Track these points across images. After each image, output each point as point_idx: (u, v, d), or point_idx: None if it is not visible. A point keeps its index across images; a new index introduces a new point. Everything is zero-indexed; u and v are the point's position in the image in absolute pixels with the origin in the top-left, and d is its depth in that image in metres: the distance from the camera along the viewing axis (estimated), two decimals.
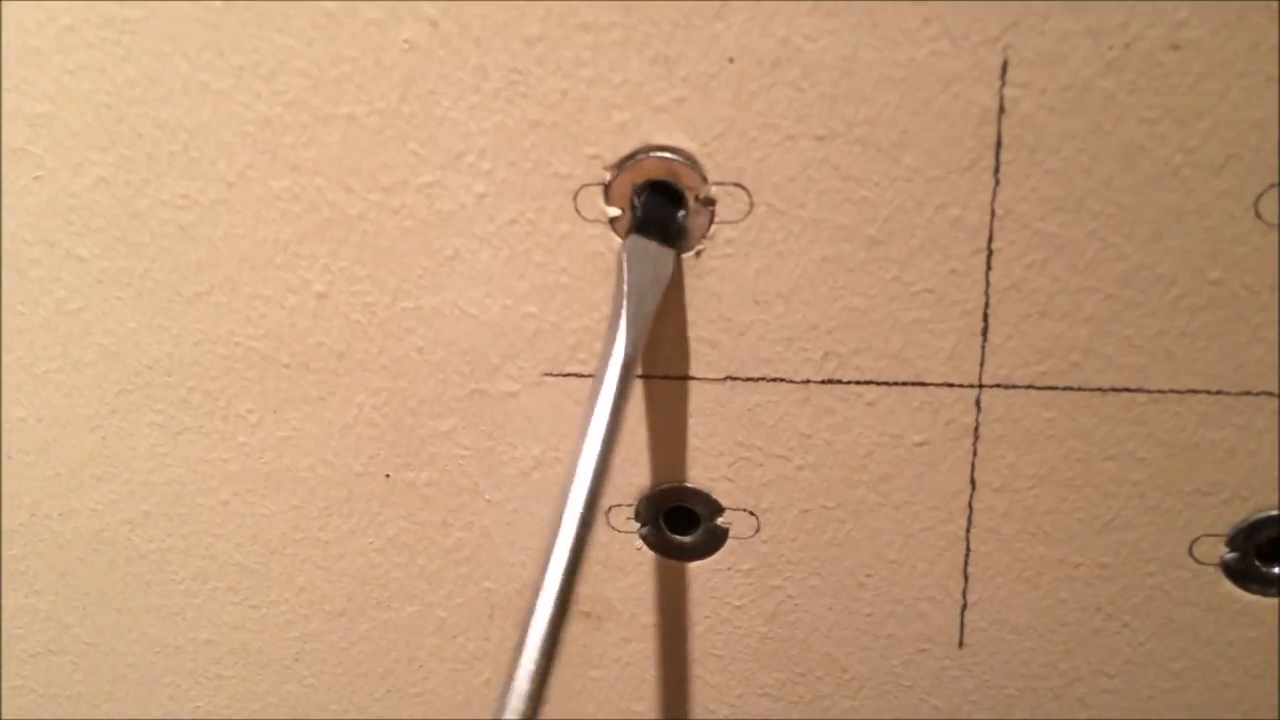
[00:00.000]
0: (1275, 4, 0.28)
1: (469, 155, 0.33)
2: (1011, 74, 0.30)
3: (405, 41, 0.32)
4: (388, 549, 0.40)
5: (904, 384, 0.34)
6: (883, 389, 0.35)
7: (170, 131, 0.34)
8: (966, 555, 0.37)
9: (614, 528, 0.38)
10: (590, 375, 0.36)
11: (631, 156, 0.32)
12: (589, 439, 0.29)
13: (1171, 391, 0.33)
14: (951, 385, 0.34)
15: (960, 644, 0.39)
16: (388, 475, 0.39)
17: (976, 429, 0.35)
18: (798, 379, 0.35)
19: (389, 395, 0.37)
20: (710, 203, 0.33)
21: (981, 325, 0.33)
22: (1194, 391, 0.33)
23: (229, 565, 0.41)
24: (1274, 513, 0.34)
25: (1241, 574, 0.35)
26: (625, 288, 0.31)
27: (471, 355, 0.36)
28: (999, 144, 0.31)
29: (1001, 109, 0.30)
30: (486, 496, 0.39)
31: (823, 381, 0.35)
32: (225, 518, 0.40)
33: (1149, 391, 0.33)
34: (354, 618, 0.42)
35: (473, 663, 0.42)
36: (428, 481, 0.39)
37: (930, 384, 0.34)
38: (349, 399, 0.38)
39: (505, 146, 0.33)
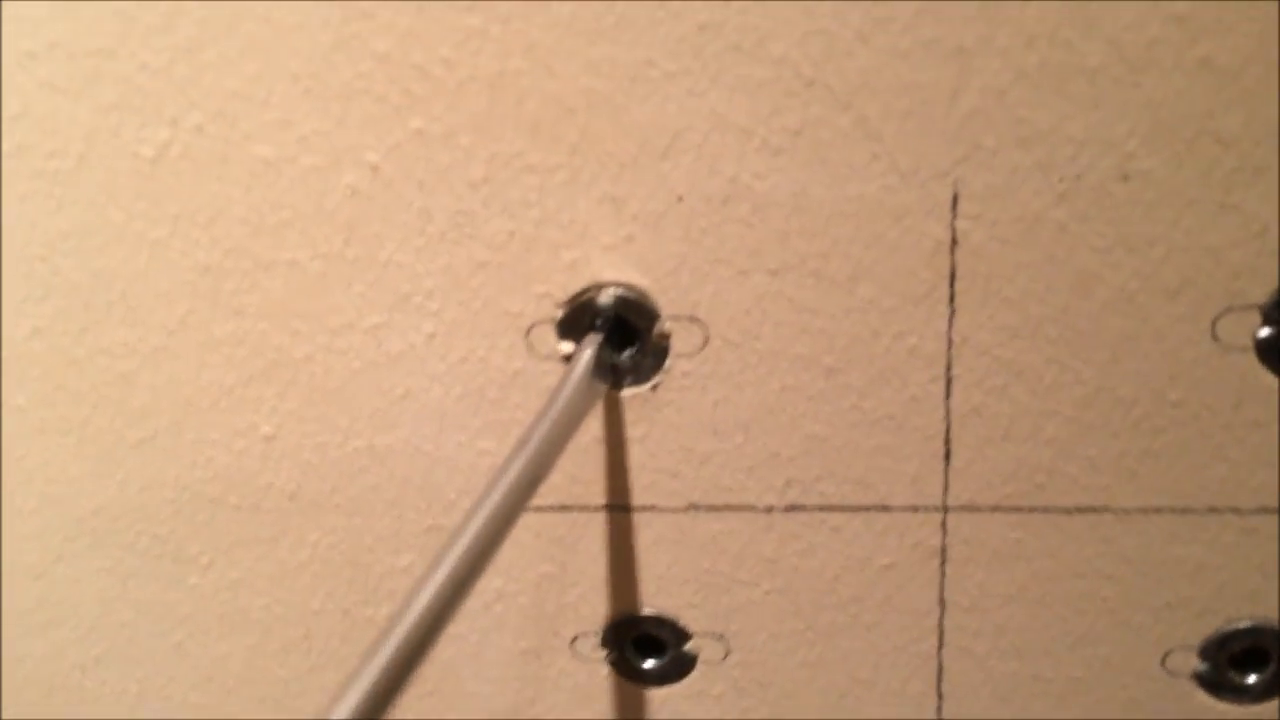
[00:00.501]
0: (1221, 135, 0.28)
1: (416, 296, 0.32)
2: (962, 207, 0.30)
3: (347, 186, 0.31)
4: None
5: (869, 508, 0.34)
6: (847, 514, 0.34)
7: (106, 281, 0.33)
8: (939, 673, 0.36)
9: (580, 655, 0.38)
10: (553, 509, 0.35)
11: (583, 294, 0.32)
12: None
13: (1137, 510, 0.33)
14: (916, 509, 0.34)
15: None
16: (346, 612, 0.38)
17: (944, 550, 0.34)
18: (761, 506, 0.34)
19: (344, 534, 0.36)
20: (665, 337, 0.32)
21: (944, 449, 0.33)
22: (1159, 510, 0.33)
23: (185, 706, 0.40)
24: (1244, 625, 0.34)
25: (1215, 684, 0.35)
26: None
27: (427, 492, 0.35)
28: (953, 274, 0.30)
29: (954, 241, 0.30)
30: (449, 630, 0.38)
31: (786, 508, 0.34)
32: (179, 659, 0.39)
33: (1114, 510, 0.33)
34: None
35: None
36: (386, 618, 0.38)
37: (895, 508, 0.34)
38: (302, 538, 0.37)
39: (453, 286, 0.32)
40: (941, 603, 0.35)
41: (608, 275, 0.32)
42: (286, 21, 0.29)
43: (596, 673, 0.38)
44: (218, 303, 0.33)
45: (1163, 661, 0.35)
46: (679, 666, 0.37)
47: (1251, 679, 0.35)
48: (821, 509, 0.34)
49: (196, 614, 0.38)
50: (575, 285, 0.32)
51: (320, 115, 0.30)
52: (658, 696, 0.38)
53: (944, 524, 0.34)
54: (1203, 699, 0.35)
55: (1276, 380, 0.30)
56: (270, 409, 0.34)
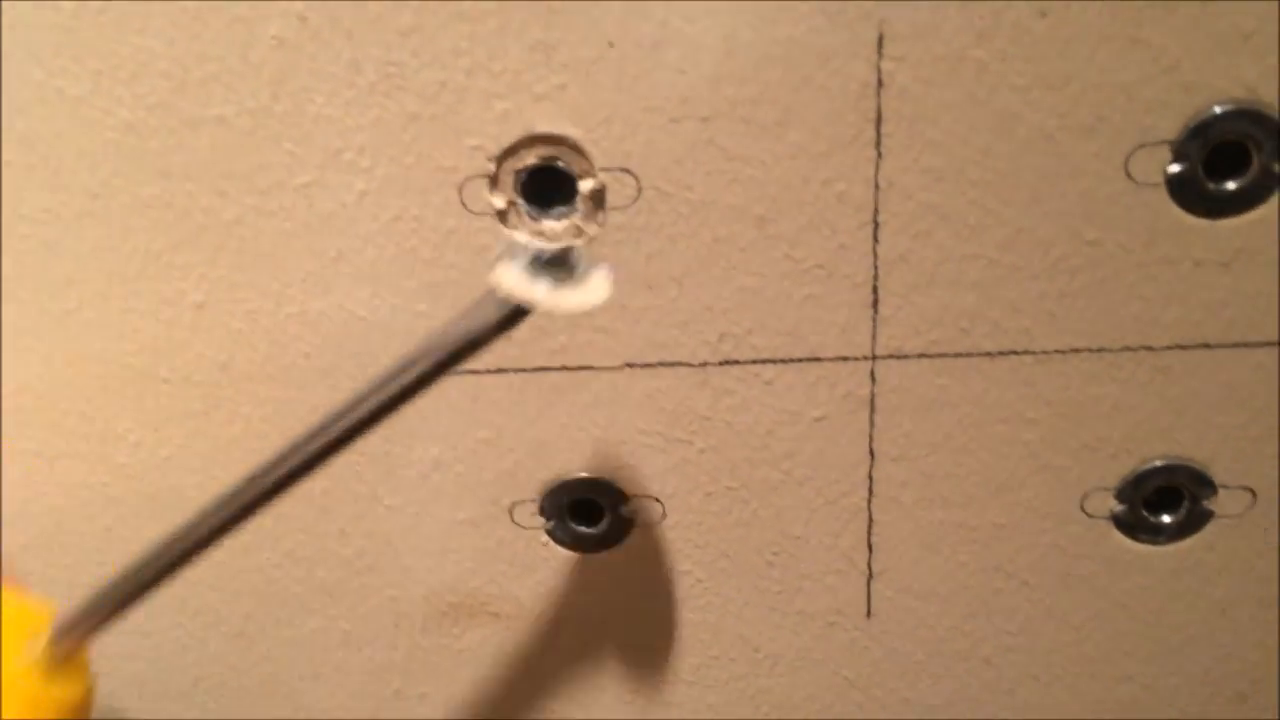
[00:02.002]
0: None
1: (347, 152, 0.32)
2: (887, 48, 0.30)
3: (273, 37, 0.31)
4: (285, 563, 0.39)
5: (800, 360, 0.35)
6: (779, 367, 0.35)
7: (27, 143, 0.32)
8: (870, 526, 0.37)
9: (519, 524, 0.38)
10: (489, 371, 0.35)
11: (515, 146, 0.32)
12: None
13: (1055, 351, 0.34)
14: (846, 359, 0.35)
15: (868, 614, 0.39)
16: None
17: (873, 400, 0.35)
18: (695, 362, 0.35)
19: (277, 405, 0.36)
20: (599, 190, 0.32)
21: (872, 298, 0.34)
22: (1076, 350, 0.34)
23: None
24: (1159, 464, 0.35)
25: (1131, 525, 0.37)
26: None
27: (362, 358, 0.35)
28: (879, 117, 0.31)
29: (880, 83, 0.31)
30: (385, 502, 0.38)
31: (720, 363, 0.35)
32: (108, 544, 0.39)
33: (1034, 353, 0.34)
34: (253, 638, 0.40)
35: (380, 674, 0.41)
36: (323, 491, 0.38)
37: (825, 359, 0.35)
38: (235, 411, 0.36)
39: (384, 141, 0.32)
40: (871, 454, 0.36)
41: (541, 127, 0.32)
42: None
43: (535, 540, 0.38)
44: (143, 163, 0.32)
45: (1081, 504, 0.36)
46: (616, 530, 0.38)
47: (1166, 519, 0.37)
48: (755, 362, 0.35)
49: (126, 496, 0.38)
50: (508, 138, 0.32)
51: None
52: (596, 562, 0.39)
53: (873, 373, 0.35)
54: (1120, 540, 0.37)
55: (1186, 216, 0.32)
56: (199, 275, 0.34)
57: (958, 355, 0.34)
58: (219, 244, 0.33)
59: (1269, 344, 0.33)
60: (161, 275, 0.34)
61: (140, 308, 0.35)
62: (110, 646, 0.39)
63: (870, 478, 0.37)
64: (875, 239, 0.33)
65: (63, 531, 0.38)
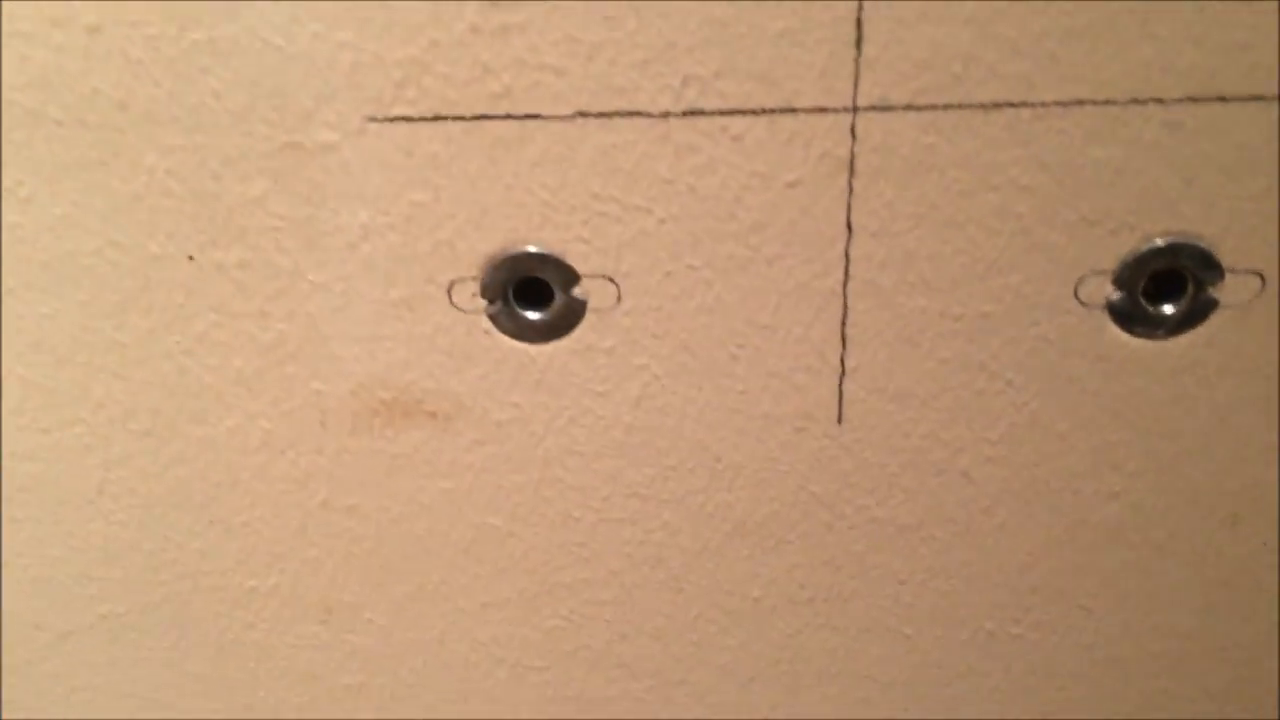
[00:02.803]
0: None
1: None
2: None
3: None
4: (196, 349, 0.35)
5: (772, 111, 0.31)
6: (750, 119, 0.31)
7: None
8: (844, 314, 0.34)
9: (458, 307, 0.34)
10: (424, 118, 0.31)
11: None
12: None
13: (1056, 104, 0.31)
14: (823, 109, 0.31)
15: (839, 419, 0.36)
16: (191, 257, 0.34)
17: (852, 162, 0.32)
18: (656, 111, 0.31)
19: (184, 155, 0.32)
20: None
21: (855, 35, 0.30)
22: (1080, 103, 0.30)
23: (10, 379, 0.36)
24: (1161, 242, 0.32)
25: (1128, 316, 0.33)
26: None
27: (279, 99, 0.31)
28: None
29: None
30: (309, 277, 0.34)
31: (684, 113, 0.31)
32: None
33: (1033, 105, 0.31)
34: (163, 437, 0.37)
35: (306, 481, 0.37)
36: (239, 262, 0.34)
37: (800, 109, 0.31)
38: (136, 161, 0.32)
39: None
40: (849, 227, 0.33)
41: None
42: None
43: (476, 327, 0.35)
44: None
45: (1075, 291, 0.33)
46: (567, 316, 0.34)
47: (1167, 309, 0.33)
48: (722, 113, 0.31)
49: (16, 263, 0.34)
50: None
51: None
52: (544, 355, 0.35)
53: (853, 128, 0.31)
54: (1115, 334, 0.34)
55: None
56: None
57: (947, 107, 0.31)
58: None
59: None
60: None
61: (25, 30, 0.30)
62: (2, 444, 0.36)
63: (847, 256, 0.33)
64: None
65: None
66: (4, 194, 0.33)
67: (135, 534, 0.38)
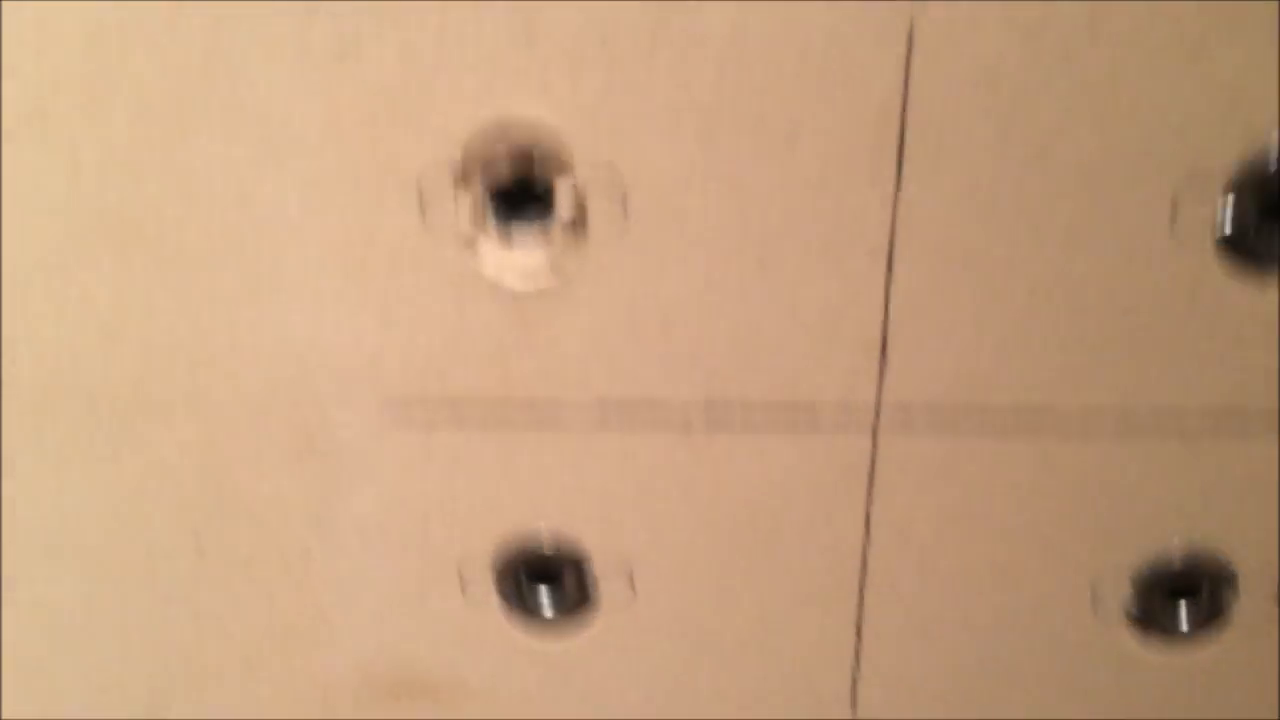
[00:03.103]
0: None
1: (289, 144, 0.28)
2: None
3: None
4: (202, 632, 0.34)
5: (794, 416, 0.31)
6: (770, 419, 0.31)
7: None
8: (860, 611, 0.34)
9: (468, 596, 0.34)
10: (443, 418, 0.31)
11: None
12: None
13: (1075, 419, 0.31)
14: (846, 419, 0.31)
15: (853, 711, 0.35)
16: (198, 542, 0.33)
17: (872, 470, 0.32)
18: (678, 418, 0.31)
19: (197, 443, 0.32)
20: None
21: (880, 346, 0.30)
22: (1097, 418, 0.31)
23: (10, 658, 0.34)
24: (1179, 555, 0.32)
25: (1144, 623, 0.33)
26: None
27: (298, 393, 0.31)
28: (902, 134, 0.28)
29: (906, 85, 0.27)
30: (319, 566, 0.33)
31: (706, 422, 0.31)
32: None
33: (1049, 423, 0.31)
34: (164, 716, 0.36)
35: None
36: (248, 551, 0.33)
37: (823, 421, 0.31)
38: (147, 448, 0.32)
39: (337, 136, 0.28)
40: (867, 529, 0.32)
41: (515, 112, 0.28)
42: None
43: (487, 615, 0.34)
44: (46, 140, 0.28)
45: (1091, 596, 0.33)
46: (580, 609, 0.34)
47: (1182, 619, 0.33)
48: (742, 411, 0.31)
49: (18, 545, 0.33)
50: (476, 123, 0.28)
51: None
52: (556, 644, 0.34)
53: (874, 436, 0.31)
54: (1131, 640, 0.34)
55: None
56: (108, 276, 0.29)
57: (969, 413, 0.31)
58: (133, 238, 0.29)
59: None
60: (65, 269, 0.29)
61: (38, 310, 0.30)
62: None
63: (864, 557, 0.33)
64: (889, 278, 0.29)
65: None
66: (12, 478, 0.32)
67: None
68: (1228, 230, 0.28)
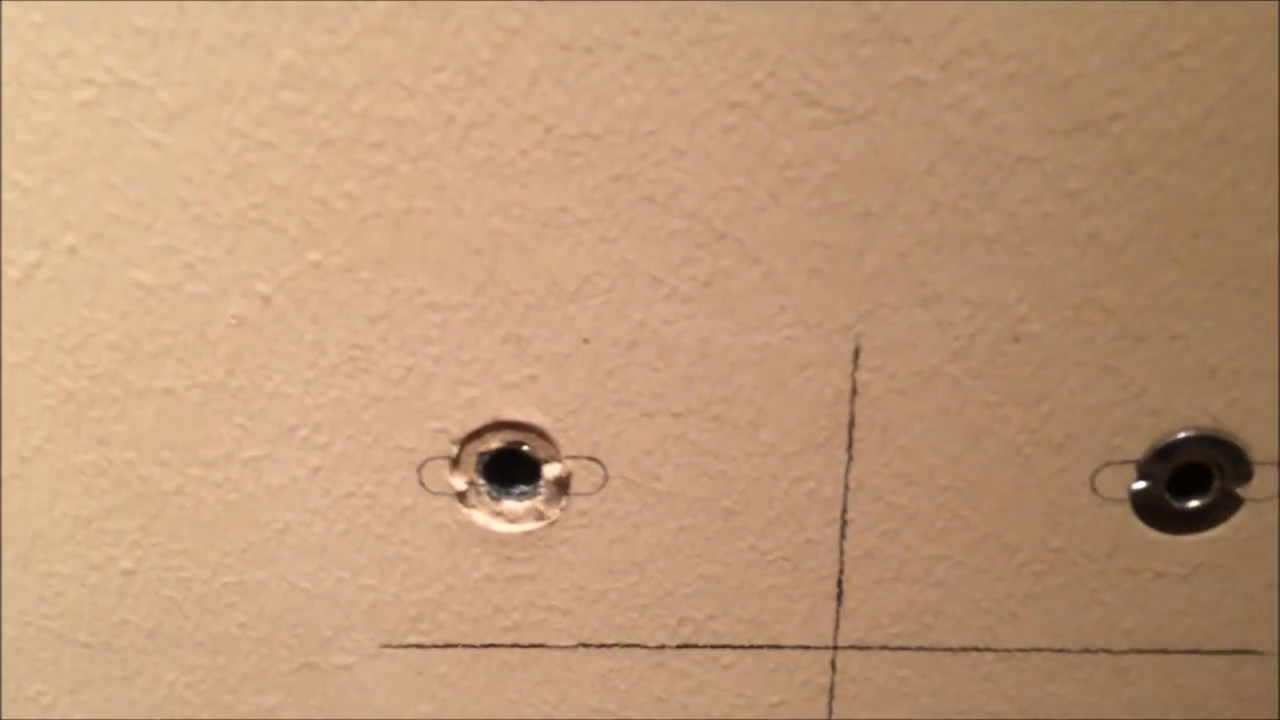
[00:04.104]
0: (1105, 303, 0.29)
1: (303, 429, 0.31)
2: (864, 359, 0.30)
3: (233, 316, 0.29)
4: None
5: (760, 647, 0.34)
6: (739, 652, 0.34)
7: None
8: None
9: None
10: (434, 646, 0.34)
11: (480, 431, 0.31)
12: None
13: (1017, 650, 0.34)
14: (807, 648, 0.34)
15: None
16: None
17: (832, 688, 0.34)
18: (653, 644, 0.34)
19: (205, 673, 0.34)
20: (564, 477, 0.31)
21: (836, 590, 0.33)
22: (1038, 649, 0.34)
23: None
24: None
25: None
26: None
27: (301, 629, 0.33)
28: (851, 423, 0.31)
29: (854, 391, 0.30)
30: None
31: (678, 646, 0.34)
32: None
33: (996, 650, 0.34)
34: None
35: None
36: None
37: (786, 647, 0.34)
38: (158, 678, 0.34)
39: (344, 420, 0.31)
40: None
41: (508, 414, 0.31)
42: (177, 148, 0.27)
43: None
44: (80, 430, 0.31)
45: None
46: None
47: None
48: (713, 647, 0.34)
49: None
50: (474, 423, 0.31)
51: (209, 243, 0.28)
52: None
53: (833, 663, 0.34)
54: None
55: (1148, 530, 0.32)
56: (131, 542, 0.32)
57: (919, 649, 0.34)
58: (155, 512, 0.32)
59: (1223, 652, 0.33)
60: (90, 540, 0.32)
61: (64, 571, 0.32)
62: None
63: None
64: (842, 535, 0.32)
65: None
66: (26, 702, 0.34)
67: None
68: (1138, 490, 0.31)
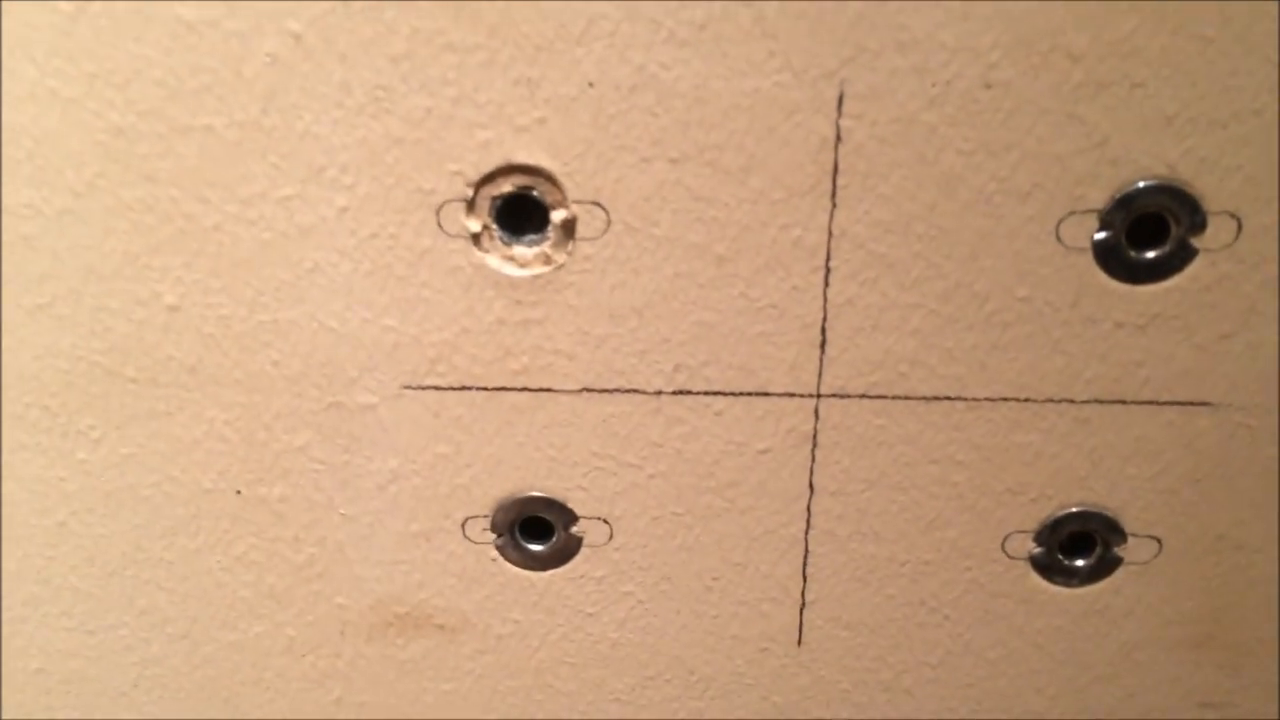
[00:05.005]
0: (1072, 50, 0.32)
1: (331, 169, 0.34)
2: (847, 106, 0.33)
3: (268, 54, 0.32)
4: (235, 567, 0.40)
5: (749, 394, 0.37)
6: (729, 399, 0.37)
7: (15, 137, 0.33)
8: (805, 556, 0.39)
9: (469, 539, 0.39)
10: (450, 388, 0.37)
11: (494, 174, 0.34)
12: None
13: (985, 399, 0.36)
14: (792, 395, 0.37)
15: (799, 642, 0.41)
16: (238, 491, 0.38)
17: (815, 436, 0.37)
18: (650, 390, 0.37)
19: (242, 410, 0.37)
20: (570, 221, 0.34)
21: (820, 338, 0.36)
22: (1004, 399, 0.36)
23: (63, 589, 0.40)
24: (1074, 510, 0.38)
25: (1046, 567, 0.39)
26: None
27: (329, 368, 0.37)
28: (836, 169, 0.33)
29: (838, 138, 0.33)
30: (341, 511, 0.39)
31: (674, 392, 0.37)
32: (60, 539, 0.39)
33: (966, 399, 0.36)
34: (198, 640, 0.41)
35: (323, 681, 0.42)
36: (280, 497, 0.39)
37: (773, 394, 0.37)
38: (199, 414, 0.37)
39: (368, 161, 0.33)
40: (811, 487, 0.38)
41: (519, 157, 0.33)
42: None
43: (485, 556, 0.39)
44: (129, 166, 0.33)
45: (1002, 545, 0.39)
46: (565, 550, 0.39)
47: (1079, 563, 0.39)
48: (706, 394, 0.37)
49: (82, 491, 0.38)
50: (487, 165, 0.33)
51: None
52: (543, 580, 0.40)
53: (816, 410, 0.37)
54: (1035, 581, 0.39)
55: (1109, 280, 0.34)
56: (175, 279, 0.35)
57: (896, 397, 0.36)
58: (197, 249, 0.35)
59: (1178, 403, 0.36)
60: (138, 276, 0.35)
61: (113, 306, 0.35)
62: (51, 641, 0.40)
63: (809, 510, 0.38)
64: (826, 283, 0.35)
65: (13, 524, 0.39)
66: (77, 435, 0.37)
67: None
68: (1099, 240, 0.34)
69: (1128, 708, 0.41)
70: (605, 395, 0.37)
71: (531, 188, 0.34)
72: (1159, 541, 0.38)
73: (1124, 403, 0.36)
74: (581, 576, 0.40)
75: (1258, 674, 0.41)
